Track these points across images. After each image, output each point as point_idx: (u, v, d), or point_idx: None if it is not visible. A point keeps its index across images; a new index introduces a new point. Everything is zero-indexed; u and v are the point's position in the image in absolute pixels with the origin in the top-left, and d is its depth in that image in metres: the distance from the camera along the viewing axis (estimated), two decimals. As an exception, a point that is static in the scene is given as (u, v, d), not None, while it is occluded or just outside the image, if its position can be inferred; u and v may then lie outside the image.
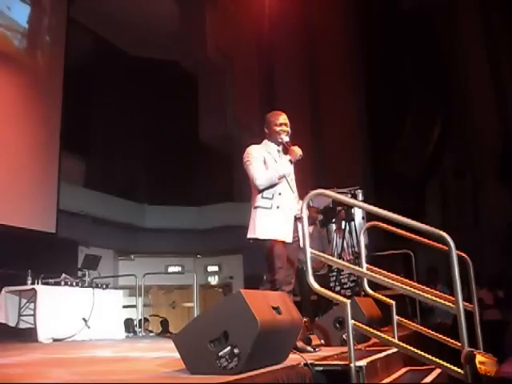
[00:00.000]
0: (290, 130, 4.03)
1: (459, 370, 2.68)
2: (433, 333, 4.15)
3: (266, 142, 4.08)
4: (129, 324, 8.60)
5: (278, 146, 4.03)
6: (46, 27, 10.50)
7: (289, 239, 3.83)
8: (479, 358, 2.58)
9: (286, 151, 4.00)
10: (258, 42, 13.11)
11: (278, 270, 3.76)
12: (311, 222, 6.97)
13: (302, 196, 3.27)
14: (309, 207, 7.34)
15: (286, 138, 3.98)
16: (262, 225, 3.82)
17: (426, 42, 12.32)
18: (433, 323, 7.46)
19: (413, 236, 3.80)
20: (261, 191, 3.87)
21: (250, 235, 3.88)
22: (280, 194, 3.87)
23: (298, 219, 3.91)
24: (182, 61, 13.84)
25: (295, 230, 3.92)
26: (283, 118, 4.06)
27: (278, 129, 4.00)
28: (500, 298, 8.12)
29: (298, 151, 3.91)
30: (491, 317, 7.48)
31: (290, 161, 3.91)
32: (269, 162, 3.91)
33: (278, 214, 3.83)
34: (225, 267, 14.90)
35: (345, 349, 2.98)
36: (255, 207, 3.89)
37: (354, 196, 7.72)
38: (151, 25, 13.34)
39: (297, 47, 12.74)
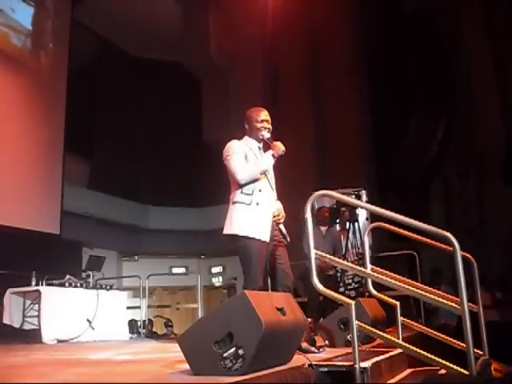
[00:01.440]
0: (271, 127, 3.93)
1: (464, 371, 2.67)
2: (437, 334, 4.14)
3: (246, 138, 3.99)
4: (133, 325, 8.61)
5: (259, 142, 3.95)
6: (49, 29, 10.53)
7: (266, 238, 3.72)
8: (494, 365, 2.58)
9: (266, 148, 3.90)
10: (262, 43, 13.09)
11: (256, 268, 3.66)
12: (323, 222, 6.96)
13: (305, 197, 3.23)
14: (321, 207, 7.35)
15: (267, 135, 3.88)
16: (240, 220, 3.72)
17: (429, 43, 12.28)
18: (437, 324, 7.45)
19: (417, 237, 3.79)
20: (241, 186, 3.78)
21: (226, 231, 3.77)
22: (260, 190, 3.78)
23: (276, 220, 3.84)
24: (186, 62, 13.86)
25: (275, 228, 3.84)
26: (264, 114, 3.97)
27: (258, 125, 3.91)
28: (498, 299, 8.05)
29: (280, 146, 3.80)
30: (489, 317, 7.42)
31: (273, 155, 3.78)
32: (250, 158, 3.83)
33: (256, 210, 3.74)
34: (229, 268, 14.89)
35: (349, 350, 2.97)
36: (234, 202, 3.81)
37: (358, 197, 7.73)
38: (155, 26, 13.39)
39: (300, 48, 12.71)
